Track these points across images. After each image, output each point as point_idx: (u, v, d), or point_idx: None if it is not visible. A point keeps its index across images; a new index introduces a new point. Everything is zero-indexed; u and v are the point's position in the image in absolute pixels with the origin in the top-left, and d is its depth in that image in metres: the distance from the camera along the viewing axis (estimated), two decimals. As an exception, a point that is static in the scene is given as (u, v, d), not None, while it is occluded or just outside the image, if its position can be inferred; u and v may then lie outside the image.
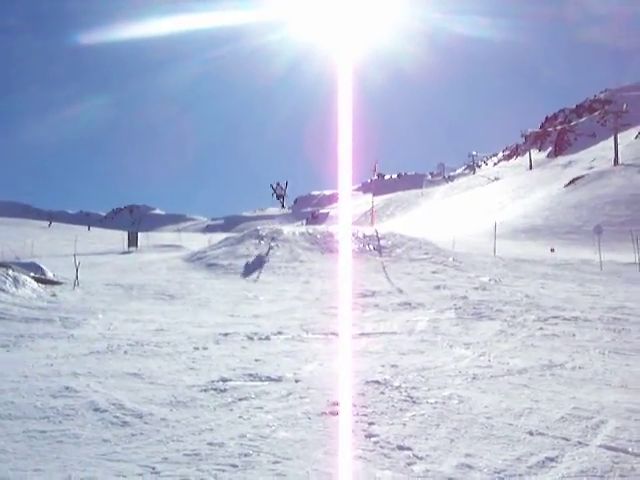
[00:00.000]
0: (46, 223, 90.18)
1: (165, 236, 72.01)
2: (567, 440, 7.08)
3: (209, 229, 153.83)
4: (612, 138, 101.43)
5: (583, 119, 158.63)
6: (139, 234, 50.84)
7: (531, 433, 7.29)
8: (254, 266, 25.76)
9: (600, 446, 6.92)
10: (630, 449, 6.84)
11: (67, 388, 8.73)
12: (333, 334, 13.89)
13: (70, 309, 16.63)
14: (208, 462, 6.11)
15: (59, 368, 10.09)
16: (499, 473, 6.11)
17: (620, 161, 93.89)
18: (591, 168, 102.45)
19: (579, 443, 7.00)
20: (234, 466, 6.03)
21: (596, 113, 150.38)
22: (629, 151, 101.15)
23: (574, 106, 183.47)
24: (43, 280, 20.90)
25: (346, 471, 6.01)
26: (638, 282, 29.13)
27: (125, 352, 11.54)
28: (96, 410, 7.74)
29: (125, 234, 49.87)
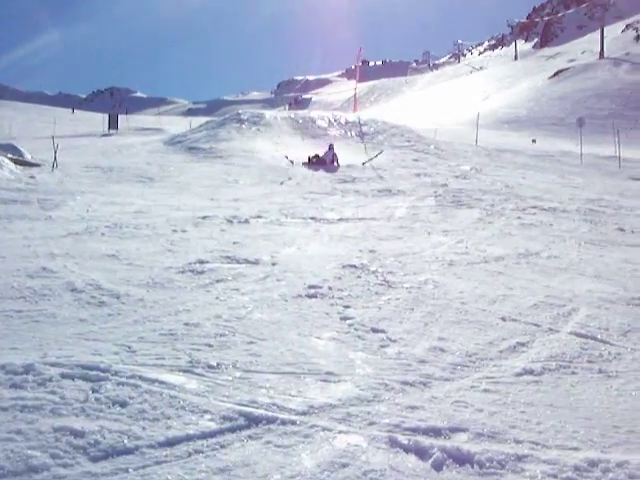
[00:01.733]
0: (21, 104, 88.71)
1: (146, 119, 71.56)
2: (538, 326, 7.18)
3: (191, 113, 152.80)
4: (599, 31, 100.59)
5: (571, 10, 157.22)
6: (119, 117, 50.37)
7: (504, 319, 7.39)
8: None
9: (570, 333, 7.04)
10: (599, 336, 6.96)
11: (44, 269, 8.73)
12: (312, 219, 13.93)
13: (48, 191, 16.55)
14: (184, 342, 6.17)
15: (36, 249, 10.07)
16: (470, 357, 6.21)
17: (606, 54, 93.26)
18: (572, 60, 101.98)
19: (550, 330, 7.11)
20: (209, 346, 6.09)
21: (584, 5, 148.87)
22: (615, 45, 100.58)
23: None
24: (21, 162, 20.75)
25: (319, 352, 6.09)
26: (617, 175, 29.31)
27: (103, 234, 11.53)
28: (73, 290, 7.75)
29: (105, 116, 49.39)
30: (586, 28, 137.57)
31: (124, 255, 9.83)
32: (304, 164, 24.45)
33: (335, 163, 23.93)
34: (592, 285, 9.31)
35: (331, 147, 24.60)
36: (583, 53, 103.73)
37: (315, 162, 24.42)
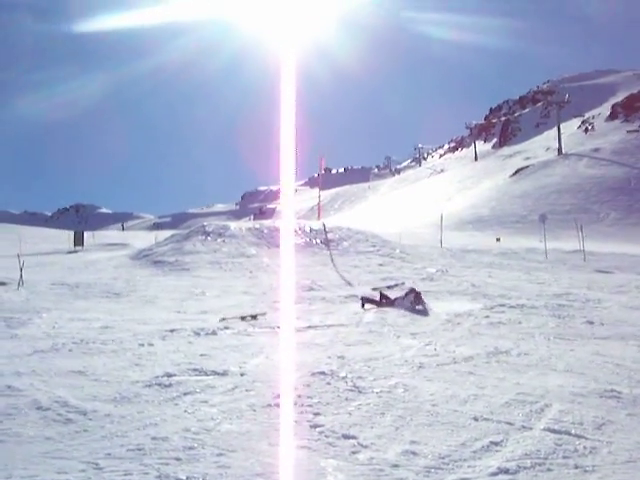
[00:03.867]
0: None
1: (112, 234, 71.51)
2: (511, 424, 7.14)
3: (156, 227, 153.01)
4: (555, 128, 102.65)
5: (527, 110, 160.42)
6: (85, 233, 50.34)
7: (476, 419, 7.34)
8: None
9: (544, 429, 7.01)
10: (573, 431, 6.93)
11: (9, 387, 8.59)
12: (279, 327, 13.86)
13: (14, 309, 16.39)
14: (152, 456, 6.07)
15: (2, 368, 9.90)
16: (443, 459, 6.14)
17: (564, 150, 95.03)
18: (527, 158, 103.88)
19: (523, 427, 7.07)
20: (178, 459, 5.99)
21: (539, 104, 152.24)
22: (572, 141, 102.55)
23: (517, 97, 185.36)
24: (-14, 281, 20.61)
25: (290, 461, 6.00)
26: (583, 269, 29.59)
27: (70, 350, 11.39)
28: (39, 408, 7.64)
29: (71, 234, 49.32)
30: (543, 126, 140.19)
31: (91, 371, 9.71)
32: (366, 303, 17.58)
33: (420, 306, 16.94)
34: (563, 380, 9.30)
35: (413, 291, 17.75)
36: (547, 150, 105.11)
37: (382, 301, 17.75)
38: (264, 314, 15.34)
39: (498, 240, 47.90)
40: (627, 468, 6.07)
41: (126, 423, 7.11)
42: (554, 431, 6.95)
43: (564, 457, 6.27)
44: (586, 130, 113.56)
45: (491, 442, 6.58)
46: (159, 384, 8.88)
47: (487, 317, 15.31)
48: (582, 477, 5.81)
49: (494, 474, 5.80)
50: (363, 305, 16.97)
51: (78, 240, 47.13)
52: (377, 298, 17.88)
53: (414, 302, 16.90)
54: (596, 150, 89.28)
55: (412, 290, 17.58)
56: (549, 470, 5.94)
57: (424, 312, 16.19)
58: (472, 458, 6.19)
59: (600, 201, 69.17)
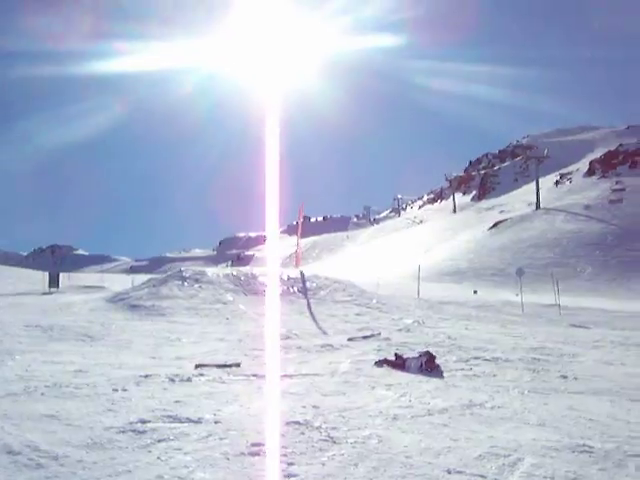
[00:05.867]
0: None
1: (88, 277, 71.13)
2: (484, 478, 7.14)
3: (133, 270, 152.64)
4: (534, 182, 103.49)
5: (506, 164, 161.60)
6: (61, 274, 50.05)
7: (449, 471, 7.33)
8: None
9: (516, 483, 7.00)
10: (545, 486, 6.93)
11: (-20, 430, 8.53)
12: (255, 375, 13.81)
13: (-13, 351, 16.27)
14: (124, 504, 6.03)
15: (-27, 411, 9.85)
16: (416, 511, 6.13)
17: (542, 205, 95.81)
18: (509, 212, 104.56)
19: (496, 481, 7.07)
20: (150, 508, 5.96)
21: (518, 158, 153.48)
22: (551, 195, 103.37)
23: (497, 151, 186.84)
24: (-41, 322, 20.44)
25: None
26: (558, 323, 29.75)
27: (42, 394, 11.29)
28: (9, 452, 7.55)
29: (46, 274, 49.02)
30: (522, 180, 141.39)
31: (64, 415, 9.63)
32: (377, 363, 16.37)
33: (430, 368, 15.55)
34: (537, 434, 9.32)
35: (427, 354, 16.22)
36: (530, 205, 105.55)
37: (389, 362, 16.36)
38: (239, 364, 15.22)
39: (475, 292, 48.19)
40: (599, 524, 6.08)
41: (98, 469, 7.05)
42: (527, 485, 6.97)
43: (536, 512, 6.28)
44: (557, 183, 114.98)
45: (464, 495, 6.59)
46: (133, 430, 8.81)
47: (462, 370, 15.34)
48: (554, 533, 5.82)
49: (466, 528, 5.81)
50: (376, 363, 16.42)
51: (53, 281, 46.84)
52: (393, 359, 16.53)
53: (425, 365, 15.52)
54: (587, 207, 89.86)
55: (426, 353, 16.26)
56: (521, 525, 5.95)
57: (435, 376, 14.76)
58: (444, 511, 6.19)
59: (577, 256, 69.78)
